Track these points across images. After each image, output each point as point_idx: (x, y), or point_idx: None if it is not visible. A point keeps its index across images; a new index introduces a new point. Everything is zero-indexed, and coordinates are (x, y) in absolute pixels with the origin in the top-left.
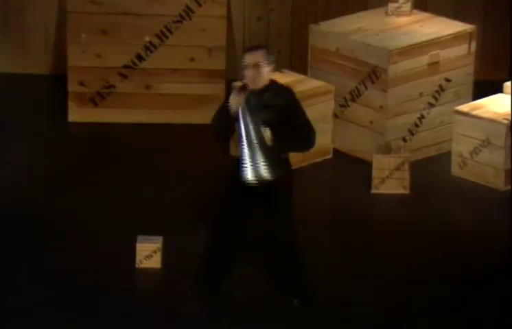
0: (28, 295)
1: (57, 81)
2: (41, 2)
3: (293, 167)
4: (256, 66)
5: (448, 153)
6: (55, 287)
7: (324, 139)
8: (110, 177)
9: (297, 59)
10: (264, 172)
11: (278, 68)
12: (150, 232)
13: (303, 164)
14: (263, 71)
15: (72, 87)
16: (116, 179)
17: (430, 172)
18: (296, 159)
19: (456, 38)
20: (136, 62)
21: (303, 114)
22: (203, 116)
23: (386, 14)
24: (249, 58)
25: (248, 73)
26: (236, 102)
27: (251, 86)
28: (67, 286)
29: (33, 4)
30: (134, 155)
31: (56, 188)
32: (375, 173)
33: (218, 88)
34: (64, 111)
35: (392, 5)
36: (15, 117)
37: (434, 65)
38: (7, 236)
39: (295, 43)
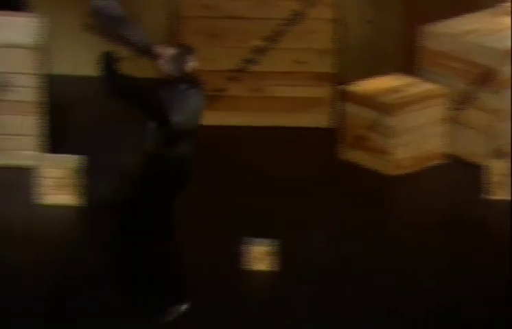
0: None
1: None
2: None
3: (403, 172)
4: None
5: None
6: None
7: (436, 143)
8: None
9: (408, 62)
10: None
11: (388, 72)
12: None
13: (416, 169)
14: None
15: None
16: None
17: None
18: (407, 163)
19: None
20: (245, 65)
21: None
22: (311, 119)
23: (498, 14)
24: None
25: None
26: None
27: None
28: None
29: (152, 9)
30: (244, 158)
31: None
32: (489, 178)
33: (326, 91)
34: None
35: (504, 5)
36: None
37: None
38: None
39: (406, 45)
